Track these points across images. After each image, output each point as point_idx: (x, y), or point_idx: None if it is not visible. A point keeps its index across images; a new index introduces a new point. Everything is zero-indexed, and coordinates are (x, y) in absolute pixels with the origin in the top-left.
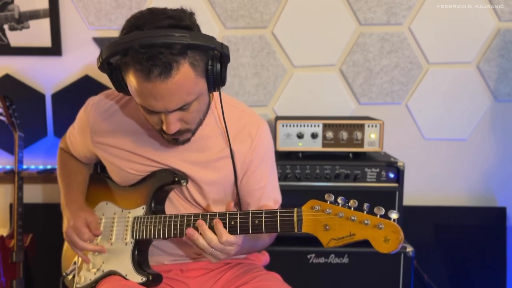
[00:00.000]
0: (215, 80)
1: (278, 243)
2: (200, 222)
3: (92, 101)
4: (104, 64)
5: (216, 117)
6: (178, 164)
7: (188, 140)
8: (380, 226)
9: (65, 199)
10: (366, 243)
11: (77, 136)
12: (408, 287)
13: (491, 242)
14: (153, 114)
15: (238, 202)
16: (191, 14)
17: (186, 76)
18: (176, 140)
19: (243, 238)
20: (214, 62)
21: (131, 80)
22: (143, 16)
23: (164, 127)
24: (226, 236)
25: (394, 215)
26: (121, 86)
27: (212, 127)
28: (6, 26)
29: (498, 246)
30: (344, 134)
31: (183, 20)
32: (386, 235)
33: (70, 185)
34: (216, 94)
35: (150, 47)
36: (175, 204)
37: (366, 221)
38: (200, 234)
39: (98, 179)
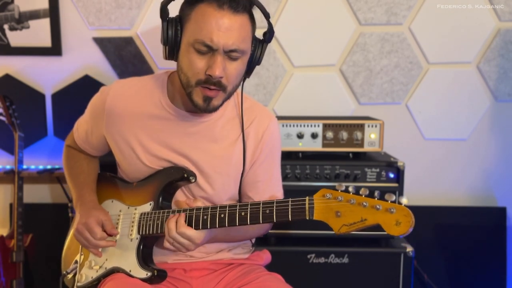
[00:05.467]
0: (255, 56)
1: (278, 243)
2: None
3: (108, 87)
4: (166, 7)
5: (232, 105)
6: (193, 153)
7: (217, 107)
8: (392, 210)
9: (78, 199)
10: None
11: (88, 126)
12: (408, 287)
13: (491, 242)
14: (203, 57)
15: (239, 197)
16: None
17: (246, 23)
18: (209, 100)
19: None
20: (257, 42)
21: (199, 14)
22: None
23: (209, 71)
24: (182, 228)
25: (404, 200)
26: (171, 37)
27: (227, 116)
28: (6, 26)
29: (498, 246)
30: (344, 134)
31: None
32: (397, 218)
33: (83, 184)
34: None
35: None
36: (177, 199)
37: (377, 206)
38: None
39: (104, 178)
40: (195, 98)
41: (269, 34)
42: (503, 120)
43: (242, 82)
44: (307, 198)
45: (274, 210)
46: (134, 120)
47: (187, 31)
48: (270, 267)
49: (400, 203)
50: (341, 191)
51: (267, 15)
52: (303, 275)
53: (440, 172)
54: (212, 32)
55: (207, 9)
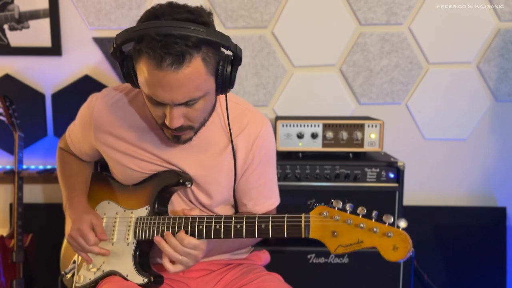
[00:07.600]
0: (224, 81)
1: (278, 243)
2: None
3: (95, 96)
4: (117, 51)
5: (220, 115)
6: (182, 163)
7: (189, 139)
8: (389, 234)
9: (68, 201)
10: None
11: (78, 133)
12: (408, 287)
13: (491, 242)
14: (158, 106)
15: (235, 203)
16: (209, 14)
17: (197, 70)
18: (177, 137)
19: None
20: (226, 64)
21: (142, 68)
22: (162, 7)
23: (167, 122)
24: (187, 239)
25: (402, 223)
26: (130, 76)
27: (215, 125)
28: (6, 26)
29: (498, 246)
30: (344, 134)
31: (201, 17)
32: (395, 243)
33: (73, 186)
34: None
35: (166, 36)
36: (174, 206)
37: (375, 229)
38: (166, 242)
39: (100, 178)
40: (165, 133)
41: (236, 59)
42: (503, 120)
43: (225, 95)
44: (303, 215)
45: (270, 225)
46: (122, 132)
47: (138, 78)
48: (269, 267)
49: (398, 227)
50: (338, 209)
51: (226, 47)
52: (303, 275)
53: (440, 172)
54: (157, 91)
55: (148, 65)
